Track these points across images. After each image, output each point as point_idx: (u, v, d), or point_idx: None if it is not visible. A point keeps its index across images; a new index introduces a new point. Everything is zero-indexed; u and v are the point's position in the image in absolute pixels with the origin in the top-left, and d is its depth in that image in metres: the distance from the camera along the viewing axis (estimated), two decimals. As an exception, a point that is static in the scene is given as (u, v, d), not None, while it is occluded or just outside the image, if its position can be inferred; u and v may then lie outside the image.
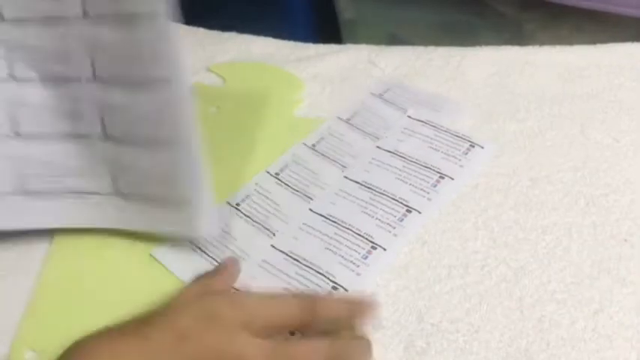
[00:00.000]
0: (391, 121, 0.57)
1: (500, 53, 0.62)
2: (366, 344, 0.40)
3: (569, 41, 0.62)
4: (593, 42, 0.61)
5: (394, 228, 0.49)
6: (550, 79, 0.59)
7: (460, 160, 0.53)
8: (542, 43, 0.62)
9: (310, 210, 0.51)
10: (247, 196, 0.53)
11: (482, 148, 0.54)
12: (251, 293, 0.42)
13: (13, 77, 0.48)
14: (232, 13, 0.63)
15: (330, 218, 0.50)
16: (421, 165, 0.53)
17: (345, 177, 0.53)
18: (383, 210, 0.50)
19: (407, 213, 0.50)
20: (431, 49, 0.63)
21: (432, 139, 0.55)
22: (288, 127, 0.58)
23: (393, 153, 0.54)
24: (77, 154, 0.49)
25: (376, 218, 0.50)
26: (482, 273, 0.46)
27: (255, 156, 0.56)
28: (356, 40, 0.69)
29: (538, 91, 0.58)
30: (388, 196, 0.51)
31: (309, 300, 0.41)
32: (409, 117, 0.57)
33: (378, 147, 0.55)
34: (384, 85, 0.61)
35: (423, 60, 0.63)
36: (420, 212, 0.50)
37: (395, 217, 0.50)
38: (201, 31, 0.70)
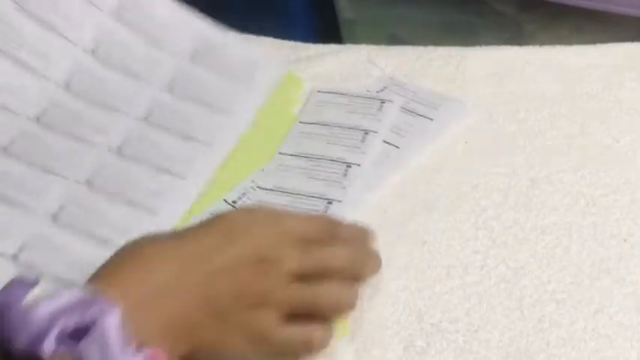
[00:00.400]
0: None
1: (500, 53, 0.62)
2: (377, 257, 0.45)
3: (569, 41, 0.62)
4: (593, 42, 0.61)
5: (341, 182, 0.52)
6: (550, 79, 0.59)
7: (376, 115, 0.56)
8: (542, 43, 0.62)
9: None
10: (244, 194, 0.53)
11: (392, 102, 0.57)
12: (280, 209, 0.46)
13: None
14: (232, 13, 0.63)
15: (280, 190, 0.53)
16: (345, 127, 0.56)
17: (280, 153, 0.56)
18: (326, 171, 0.53)
19: (347, 168, 0.53)
20: (431, 49, 0.63)
21: (346, 104, 0.58)
22: (287, 125, 0.58)
23: (316, 124, 0.57)
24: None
25: (322, 179, 0.53)
26: (482, 273, 0.46)
27: (252, 153, 0.56)
28: (356, 40, 0.69)
29: (538, 91, 0.58)
30: (326, 159, 0.54)
31: (327, 219, 0.47)
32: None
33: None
34: (382, 83, 0.60)
35: (423, 60, 0.62)
36: (359, 165, 0.53)
37: (338, 174, 0.53)
38: (201, 31, 0.70)
